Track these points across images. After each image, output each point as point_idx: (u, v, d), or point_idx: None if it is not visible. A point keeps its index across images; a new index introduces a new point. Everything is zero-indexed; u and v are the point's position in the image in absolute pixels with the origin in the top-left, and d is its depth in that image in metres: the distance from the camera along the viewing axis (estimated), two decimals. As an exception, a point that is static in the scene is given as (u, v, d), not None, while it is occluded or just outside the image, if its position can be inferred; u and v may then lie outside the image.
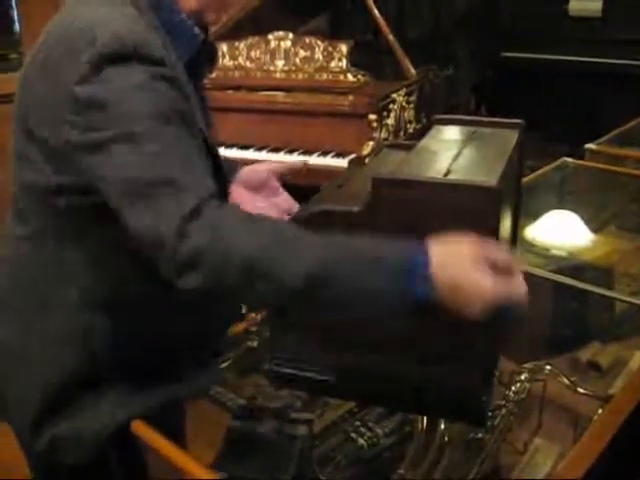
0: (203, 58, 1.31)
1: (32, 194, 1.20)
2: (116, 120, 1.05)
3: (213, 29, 3.38)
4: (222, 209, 1.05)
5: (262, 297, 1.04)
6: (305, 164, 1.51)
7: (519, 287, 1.02)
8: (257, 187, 1.47)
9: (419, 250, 1.02)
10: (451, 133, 1.39)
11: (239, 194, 1.45)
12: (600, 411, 1.33)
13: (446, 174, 1.15)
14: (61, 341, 1.21)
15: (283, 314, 1.19)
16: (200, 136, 1.20)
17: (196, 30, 1.25)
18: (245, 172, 1.48)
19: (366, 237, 1.06)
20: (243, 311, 2.07)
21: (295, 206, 1.46)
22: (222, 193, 1.31)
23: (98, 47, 1.06)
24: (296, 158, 3.10)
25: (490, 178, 1.09)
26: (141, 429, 1.19)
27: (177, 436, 1.23)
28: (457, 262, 1.00)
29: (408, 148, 1.37)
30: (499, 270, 1.01)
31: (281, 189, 1.49)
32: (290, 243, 1.02)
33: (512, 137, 1.33)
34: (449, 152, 1.26)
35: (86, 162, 1.08)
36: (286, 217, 1.42)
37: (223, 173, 1.30)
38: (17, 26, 3.80)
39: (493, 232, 1.09)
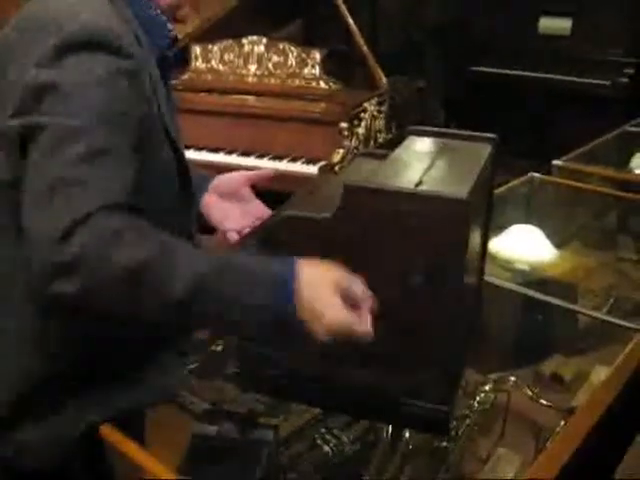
0: (173, 57, 1.31)
1: None
2: (59, 109, 1.02)
3: (187, 30, 3.38)
4: (122, 219, 1.00)
5: (139, 309, 1.01)
6: (276, 172, 1.52)
7: (363, 324, 1.05)
8: (229, 194, 1.47)
9: (289, 266, 1.05)
10: (425, 144, 1.40)
11: (211, 202, 1.45)
12: (562, 423, 1.35)
13: (418, 185, 1.16)
14: (18, 344, 1.18)
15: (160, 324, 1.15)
16: (166, 139, 1.20)
17: (169, 26, 1.25)
18: (218, 180, 1.49)
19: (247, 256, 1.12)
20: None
21: (267, 213, 1.46)
22: (186, 197, 1.31)
23: (65, 34, 1.05)
24: (266, 163, 3.10)
25: (461, 190, 1.10)
26: (109, 433, 1.17)
27: (138, 441, 1.21)
28: (318, 285, 1.04)
29: (382, 157, 1.38)
30: (354, 304, 1.05)
31: (253, 196, 1.50)
32: (172, 259, 1.00)
33: (485, 151, 1.34)
34: (422, 163, 1.26)
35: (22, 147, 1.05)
36: (257, 223, 1.43)
37: (188, 177, 1.30)
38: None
39: (462, 244, 1.10)
